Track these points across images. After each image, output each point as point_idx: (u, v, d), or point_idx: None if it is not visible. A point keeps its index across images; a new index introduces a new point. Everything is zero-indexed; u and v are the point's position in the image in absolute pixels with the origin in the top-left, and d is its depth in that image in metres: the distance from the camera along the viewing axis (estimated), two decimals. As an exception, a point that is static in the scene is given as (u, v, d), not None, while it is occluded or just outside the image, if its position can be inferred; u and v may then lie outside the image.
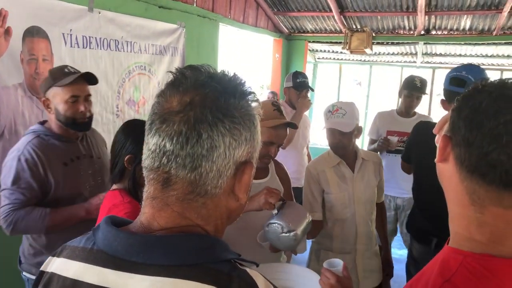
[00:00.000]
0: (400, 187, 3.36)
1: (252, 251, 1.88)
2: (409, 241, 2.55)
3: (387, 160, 2.99)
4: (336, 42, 6.51)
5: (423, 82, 3.52)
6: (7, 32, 2.42)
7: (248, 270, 0.67)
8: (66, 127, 2.05)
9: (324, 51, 7.21)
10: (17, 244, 2.16)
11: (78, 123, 2.06)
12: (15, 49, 2.47)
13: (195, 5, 4.26)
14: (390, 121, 3.58)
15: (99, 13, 3.01)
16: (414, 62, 6.81)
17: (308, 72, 7.24)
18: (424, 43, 6.06)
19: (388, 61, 7.16)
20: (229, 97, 0.68)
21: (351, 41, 6.01)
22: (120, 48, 3.26)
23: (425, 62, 6.81)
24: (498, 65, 6.49)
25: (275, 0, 5.80)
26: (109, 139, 2.03)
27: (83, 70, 2.88)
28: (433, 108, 6.92)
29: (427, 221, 2.32)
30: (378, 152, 3.55)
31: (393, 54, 6.76)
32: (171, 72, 0.71)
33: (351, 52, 6.21)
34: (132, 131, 1.62)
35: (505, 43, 5.57)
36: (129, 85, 3.41)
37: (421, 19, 5.42)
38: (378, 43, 6.26)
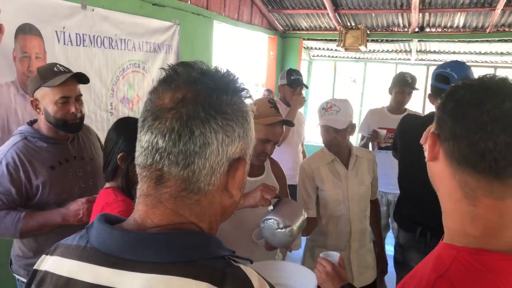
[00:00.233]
0: (391, 183, 3.38)
1: (247, 249, 1.89)
2: (396, 229, 2.60)
3: (379, 156, 3.01)
4: (330, 40, 6.52)
5: (413, 78, 3.56)
6: (-1, 29, 2.40)
7: (242, 267, 0.67)
8: (56, 128, 1.99)
9: (319, 48, 7.21)
10: (9, 246, 2.13)
11: (69, 125, 1.99)
12: (8, 47, 2.45)
13: (189, 3, 4.25)
14: (381, 118, 3.60)
15: (93, 10, 3.00)
16: (409, 59, 6.83)
17: (303, 70, 7.25)
18: (418, 41, 6.08)
19: (382, 59, 7.18)
20: (222, 93, 0.68)
21: (346, 38, 6.02)
22: (114, 45, 3.25)
23: (419, 60, 6.83)
24: (492, 62, 6.52)
25: (270, -3, 5.81)
26: (102, 137, 2.01)
27: (77, 68, 2.87)
28: (427, 105, 6.94)
29: (412, 210, 2.36)
30: (370, 148, 3.58)
31: (387, 51, 6.77)
32: (163, 69, 0.71)
33: (346, 49, 6.22)
34: (125, 129, 1.62)
35: (498, 40, 5.59)
36: (123, 83, 3.40)
37: (415, 17, 5.44)
38: (372, 41, 6.27)
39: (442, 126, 0.78)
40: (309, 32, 6.60)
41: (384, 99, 3.77)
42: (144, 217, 0.69)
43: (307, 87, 3.88)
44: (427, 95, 2.48)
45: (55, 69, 1.96)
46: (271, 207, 1.76)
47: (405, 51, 6.60)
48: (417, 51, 6.47)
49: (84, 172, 2.09)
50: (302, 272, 1.76)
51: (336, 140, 2.17)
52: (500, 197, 0.74)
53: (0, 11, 2.38)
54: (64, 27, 2.77)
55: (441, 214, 0.84)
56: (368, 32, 6.10)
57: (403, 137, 2.51)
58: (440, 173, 0.80)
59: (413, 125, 2.45)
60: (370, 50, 6.57)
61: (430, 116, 1.95)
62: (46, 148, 1.98)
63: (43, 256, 0.75)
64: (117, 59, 3.29)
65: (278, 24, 6.47)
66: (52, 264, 0.72)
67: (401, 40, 6.18)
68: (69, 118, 1.97)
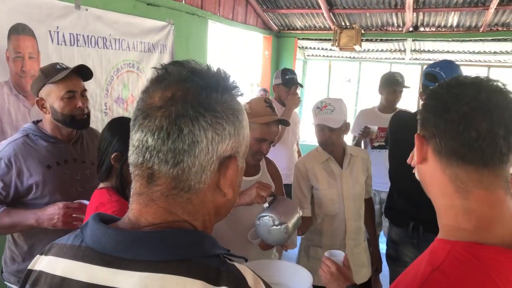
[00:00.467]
0: (384, 181, 3.38)
1: (243, 249, 1.89)
2: (388, 227, 2.63)
3: (371, 155, 3.05)
4: (325, 39, 6.53)
5: (402, 77, 3.62)
6: (-8, 29, 2.38)
7: (237, 265, 0.67)
8: (65, 125, 1.95)
9: (314, 48, 7.22)
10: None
11: (77, 120, 1.95)
12: (1, 47, 2.44)
13: (183, 2, 4.25)
14: (373, 118, 3.63)
15: (86, 10, 2.99)
16: (403, 59, 6.85)
17: (298, 69, 7.25)
18: (413, 40, 6.10)
19: (377, 58, 7.20)
20: (211, 91, 0.68)
21: (340, 38, 6.03)
22: (108, 45, 3.24)
23: (414, 59, 6.86)
24: (485, 61, 6.56)
25: (264, -3, 5.81)
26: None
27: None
28: (421, 103, 6.97)
29: (404, 205, 2.38)
30: (362, 147, 3.60)
31: (382, 51, 6.80)
32: (155, 68, 0.71)
33: (341, 49, 6.23)
34: (119, 129, 1.61)
35: (491, 39, 5.63)
36: (118, 83, 3.39)
37: (409, 16, 5.46)
38: (367, 40, 6.29)
39: (426, 126, 0.82)
40: (304, 31, 6.60)
41: (379, 99, 3.79)
42: (138, 215, 0.69)
43: (301, 86, 3.89)
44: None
45: (58, 66, 1.95)
46: (266, 205, 1.76)
47: (400, 50, 6.63)
48: (411, 51, 6.49)
49: (82, 175, 2.04)
50: (297, 271, 1.76)
51: (330, 139, 2.17)
52: (490, 188, 0.77)
53: (-7, 11, 2.37)
54: (57, 27, 2.76)
55: (432, 208, 0.86)
56: (363, 31, 6.12)
57: (393, 134, 2.56)
58: (431, 172, 0.83)
59: (402, 121, 2.48)
60: (364, 49, 6.59)
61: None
62: (46, 147, 1.95)
63: (38, 256, 0.75)
64: (111, 59, 3.28)
65: (273, 24, 6.47)
66: (46, 264, 0.71)
67: (396, 40, 6.21)
68: (77, 113, 1.95)
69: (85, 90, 2.02)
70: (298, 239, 2.28)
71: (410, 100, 7.05)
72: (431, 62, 7.21)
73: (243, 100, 0.75)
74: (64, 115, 1.92)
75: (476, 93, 0.77)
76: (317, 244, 2.29)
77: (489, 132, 0.75)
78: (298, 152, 4.02)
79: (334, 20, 6.02)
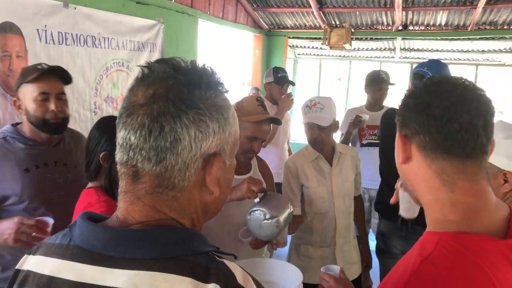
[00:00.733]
0: (373, 179, 3.43)
1: (234, 248, 1.89)
2: (377, 220, 2.70)
3: (360, 153, 3.08)
4: (315, 38, 6.54)
5: (387, 75, 3.66)
6: (-22, 28, 2.35)
7: (226, 262, 0.67)
8: (37, 129, 1.87)
9: (304, 47, 7.23)
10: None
11: (49, 125, 1.85)
12: (-13, 46, 2.41)
13: (173, 1, 4.23)
14: (361, 115, 3.63)
15: (75, 8, 2.96)
16: (393, 57, 6.90)
17: (289, 68, 7.26)
18: (402, 39, 6.14)
19: (367, 57, 7.24)
20: (194, 88, 0.68)
21: (331, 36, 6.05)
22: (97, 44, 3.21)
23: (403, 58, 6.91)
24: (473, 60, 6.62)
25: (255, -4, 5.81)
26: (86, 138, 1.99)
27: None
28: (399, 105, 7.01)
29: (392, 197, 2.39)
30: (350, 145, 3.63)
31: (371, 49, 6.83)
32: (139, 66, 0.71)
33: (331, 47, 6.25)
34: (107, 128, 1.59)
35: (479, 38, 5.68)
36: (107, 82, 3.37)
37: (399, 15, 5.49)
38: (357, 39, 6.32)
39: (407, 124, 0.85)
40: (294, 30, 6.61)
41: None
42: (126, 214, 0.69)
43: (293, 84, 3.89)
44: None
45: (39, 67, 1.88)
46: (257, 200, 1.76)
47: (389, 49, 6.67)
48: (401, 49, 6.54)
49: (65, 179, 1.94)
50: (288, 269, 1.76)
51: (320, 137, 2.18)
52: (474, 179, 0.81)
53: (-21, 9, 2.34)
54: (45, 26, 2.73)
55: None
56: (353, 30, 6.14)
57: (383, 131, 2.62)
58: (416, 170, 0.85)
59: (392, 119, 2.51)
60: (354, 48, 6.62)
61: None
62: (24, 150, 1.86)
63: (25, 255, 0.74)
64: (100, 58, 3.26)
65: (263, 23, 6.47)
66: (34, 263, 0.71)
67: (385, 38, 6.25)
68: (49, 117, 1.85)
69: (62, 93, 1.92)
70: (289, 237, 2.29)
71: (398, 98, 7.09)
72: (421, 60, 7.30)
73: (229, 96, 0.75)
74: (37, 118, 1.84)
75: (452, 89, 0.82)
76: (308, 242, 2.30)
77: (469, 124, 0.79)
78: (289, 150, 4.03)
79: (324, 19, 6.04)
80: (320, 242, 2.27)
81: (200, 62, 0.73)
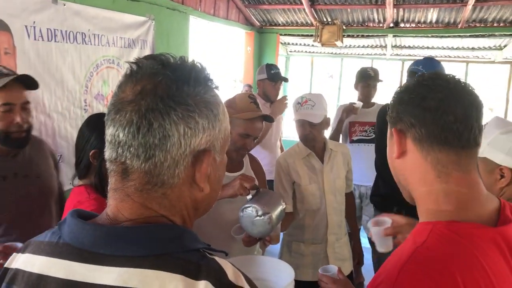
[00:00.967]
0: (363, 175, 3.47)
1: (226, 245, 1.88)
2: (366, 221, 2.74)
3: (351, 149, 3.11)
4: (307, 35, 6.54)
5: (375, 71, 3.68)
6: (-35, 24, 2.31)
7: (217, 259, 0.67)
8: None
9: (296, 44, 7.23)
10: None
11: (13, 139, 1.70)
12: (-25, 42, 2.38)
13: (164, -3, 4.20)
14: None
15: (64, 5, 2.93)
16: (384, 54, 6.92)
17: (280, 65, 7.25)
18: (393, 36, 6.16)
19: (358, 54, 7.25)
20: (182, 84, 0.67)
21: (322, 34, 6.05)
22: (87, 41, 3.18)
23: (395, 55, 6.93)
24: (464, 57, 6.67)
25: (246, -8, 5.79)
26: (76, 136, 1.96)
27: (49, 64, 2.82)
28: (390, 102, 7.04)
29: (388, 191, 2.50)
30: (340, 140, 3.64)
31: (363, 46, 6.85)
32: (128, 62, 0.71)
33: (322, 45, 6.25)
34: (97, 125, 1.58)
35: (470, 35, 5.72)
36: (97, 79, 3.34)
37: (390, 12, 5.51)
38: (348, 36, 6.32)
39: (402, 119, 0.87)
40: (286, 27, 6.61)
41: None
42: (115, 211, 0.69)
43: (287, 81, 3.87)
44: None
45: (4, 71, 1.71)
46: (249, 197, 1.76)
47: (381, 46, 6.69)
48: (392, 46, 6.56)
49: (27, 191, 1.78)
50: (279, 266, 1.77)
51: (311, 134, 2.19)
52: (467, 170, 0.84)
53: (-34, 5, 2.30)
54: (34, 22, 2.70)
55: None
56: (344, 27, 6.15)
57: (379, 125, 2.66)
58: (411, 163, 0.87)
59: (385, 115, 2.54)
60: (346, 45, 6.63)
61: None
62: None
63: (14, 254, 0.74)
64: (90, 55, 3.23)
65: (255, 20, 6.46)
66: (23, 261, 0.70)
67: (377, 36, 6.26)
68: (13, 130, 1.70)
69: (27, 102, 1.76)
70: (281, 235, 2.29)
71: (391, 95, 7.13)
72: (412, 57, 7.33)
73: (219, 92, 0.75)
74: None
75: (445, 83, 0.85)
76: (299, 239, 2.30)
77: (464, 116, 0.82)
78: (281, 148, 4.03)
79: (316, 16, 6.04)
80: (312, 239, 2.27)
81: (189, 58, 0.73)
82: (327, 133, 2.81)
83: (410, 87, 0.89)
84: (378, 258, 2.61)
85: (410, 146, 0.87)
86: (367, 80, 3.61)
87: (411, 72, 2.44)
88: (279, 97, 3.71)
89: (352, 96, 4.11)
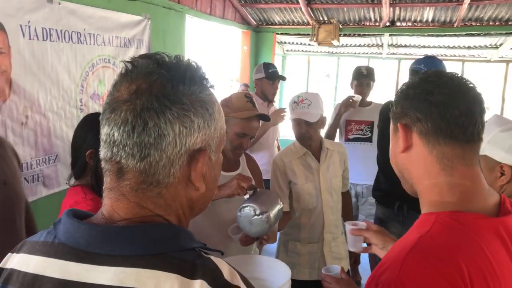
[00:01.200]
0: (360, 174, 3.48)
1: (223, 245, 1.89)
2: (375, 207, 2.90)
3: (347, 148, 3.12)
4: (304, 34, 6.54)
5: (369, 70, 3.66)
6: (-40, 24, 2.30)
7: (213, 258, 0.67)
8: None
9: (292, 43, 7.24)
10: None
11: None
12: (-31, 42, 2.36)
13: (160, -3, 4.19)
14: (348, 111, 3.65)
15: (59, 4, 2.91)
16: (380, 53, 6.93)
17: (277, 64, 7.25)
18: (390, 35, 6.17)
19: (355, 53, 7.26)
20: (177, 83, 0.67)
21: (319, 33, 6.06)
22: (82, 40, 3.17)
23: (391, 54, 6.95)
24: (460, 56, 6.69)
25: (242, -9, 5.78)
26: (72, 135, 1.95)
27: (44, 63, 2.81)
28: (394, 98, 7.05)
29: (390, 186, 2.54)
30: (337, 138, 3.64)
31: (359, 45, 6.86)
32: (123, 61, 0.70)
33: (319, 44, 6.26)
34: (93, 125, 1.57)
35: (465, 34, 5.74)
36: (93, 79, 3.33)
37: (386, 11, 5.52)
38: (345, 35, 6.33)
39: (408, 114, 0.89)
40: (282, 26, 6.61)
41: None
42: (111, 210, 0.68)
43: (284, 79, 3.86)
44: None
45: None
46: (247, 196, 1.76)
47: (377, 45, 6.70)
48: (388, 45, 6.57)
49: None
50: (276, 265, 1.77)
51: (308, 133, 2.19)
52: (470, 164, 0.87)
53: (-40, 5, 2.28)
54: (29, 21, 2.68)
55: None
56: (341, 26, 6.16)
57: (382, 122, 2.72)
58: (416, 157, 0.90)
59: (387, 113, 2.57)
60: (342, 44, 6.64)
61: None
62: None
63: (9, 254, 0.73)
64: (86, 54, 3.21)
65: (251, 19, 6.45)
66: (18, 261, 0.70)
67: (373, 34, 6.27)
68: None
69: None
70: (277, 234, 2.29)
71: (387, 94, 7.16)
72: (408, 56, 7.31)
73: (214, 91, 0.74)
74: None
75: (449, 80, 0.88)
76: (296, 238, 2.30)
77: (468, 110, 0.85)
78: (278, 147, 4.02)
79: (312, 15, 6.04)
80: (308, 238, 2.27)
81: (185, 58, 0.72)
82: (324, 130, 2.81)
83: (415, 83, 0.91)
84: (375, 257, 2.62)
85: (415, 140, 0.89)
86: (360, 78, 3.61)
87: (413, 71, 2.47)
88: (277, 96, 3.69)
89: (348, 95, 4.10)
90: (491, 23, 5.49)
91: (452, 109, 0.84)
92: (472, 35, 5.73)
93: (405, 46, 6.60)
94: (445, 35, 5.87)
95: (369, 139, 3.57)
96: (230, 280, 0.64)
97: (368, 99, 3.68)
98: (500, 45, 5.98)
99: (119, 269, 0.62)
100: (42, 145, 2.83)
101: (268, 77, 3.60)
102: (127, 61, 0.70)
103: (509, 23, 5.38)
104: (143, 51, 3.91)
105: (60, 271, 0.65)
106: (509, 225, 0.85)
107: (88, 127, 1.60)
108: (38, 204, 2.81)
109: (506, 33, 5.56)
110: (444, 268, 0.75)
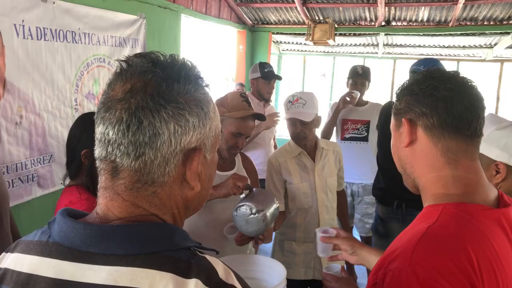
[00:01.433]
0: (356, 173, 3.49)
1: (219, 245, 1.89)
2: (371, 206, 3.06)
3: (343, 147, 3.13)
4: (299, 34, 6.55)
5: (364, 69, 3.67)
6: (-47, 23, 2.28)
7: (207, 257, 0.67)
8: None
9: (288, 42, 7.24)
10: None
11: None
12: (-38, 41, 2.34)
13: (155, -4, 4.17)
14: (344, 110, 3.66)
15: (54, 3, 2.90)
16: (376, 53, 6.94)
17: (273, 64, 7.24)
18: (385, 34, 6.18)
19: (350, 52, 7.27)
20: (172, 82, 0.67)
21: (314, 32, 6.06)
22: (77, 40, 3.15)
23: (387, 53, 6.96)
24: (455, 55, 6.71)
25: (238, -9, 5.77)
26: (67, 135, 1.94)
27: (38, 63, 2.79)
28: (394, 97, 7.08)
29: (389, 185, 2.65)
30: (334, 137, 3.65)
31: (355, 45, 6.87)
32: (118, 60, 0.70)
33: (315, 43, 6.26)
34: (88, 124, 1.56)
35: (460, 34, 5.76)
36: (88, 78, 3.31)
37: (382, 11, 5.53)
38: (340, 34, 6.34)
39: (411, 108, 0.92)
40: (278, 26, 6.60)
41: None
42: (105, 210, 0.68)
43: (280, 79, 3.87)
44: (395, 88, 2.83)
45: None
46: (243, 195, 1.76)
47: (373, 44, 6.71)
48: (384, 45, 6.58)
49: None
50: (271, 265, 1.77)
51: (303, 133, 2.19)
52: (473, 158, 0.90)
53: (-47, 4, 2.27)
54: (23, 20, 2.67)
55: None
56: (336, 26, 6.16)
57: (382, 123, 2.78)
58: (420, 151, 0.92)
59: (388, 112, 2.61)
60: (338, 44, 6.64)
61: None
62: None
63: (3, 253, 0.73)
64: (81, 54, 3.20)
65: (247, 18, 6.45)
66: (12, 261, 0.70)
67: (368, 34, 6.28)
68: None
69: None
70: (273, 234, 2.29)
71: (383, 93, 7.17)
72: (404, 56, 7.30)
73: (209, 90, 0.74)
74: None
75: (452, 76, 0.92)
76: (291, 238, 2.30)
77: (472, 106, 0.88)
78: (275, 147, 4.02)
79: (308, 15, 6.04)
80: (304, 237, 2.27)
81: (180, 57, 0.73)
82: (320, 127, 2.82)
83: (419, 79, 0.93)
84: None
85: (420, 134, 0.91)
86: (355, 77, 3.62)
87: (414, 72, 2.57)
88: (273, 95, 3.69)
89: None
90: (485, 23, 5.51)
91: (457, 104, 0.87)
92: (467, 34, 5.75)
93: (401, 45, 6.61)
94: (440, 35, 5.89)
95: (365, 139, 3.58)
96: (225, 279, 0.64)
97: (364, 98, 3.69)
98: (495, 44, 6.01)
99: (113, 268, 0.62)
100: (36, 145, 2.82)
101: (263, 77, 3.60)
102: (122, 60, 0.70)
103: (504, 22, 5.41)
104: (138, 50, 3.90)
105: (55, 271, 0.64)
106: (509, 216, 0.88)
107: (83, 127, 1.59)
108: (33, 204, 2.80)
109: (500, 33, 5.59)
110: (454, 255, 0.78)
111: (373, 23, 6.05)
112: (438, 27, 5.74)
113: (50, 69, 2.89)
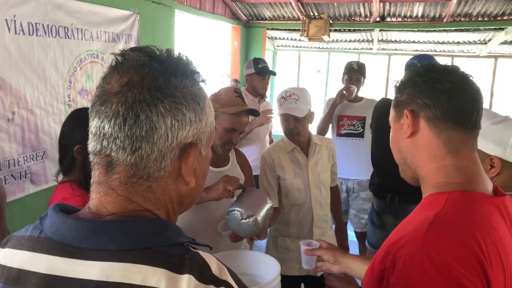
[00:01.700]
0: (351, 169, 3.50)
1: (213, 241, 1.88)
2: (366, 202, 3.19)
3: (338, 143, 3.11)
4: (294, 29, 6.54)
5: (360, 65, 3.66)
6: None
7: (201, 252, 0.66)
8: None
9: (283, 38, 7.23)
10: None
11: None
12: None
13: (149, -9, 4.15)
14: (340, 106, 3.65)
15: (46, -2, 2.87)
16: (371, 49, 6.95)
17: (268, 60, 7.22)
18: (380, 30, 6.19)
19: (345, 48, 7.27)
20: (170, 77, 0.67)
21: (309, 28, 6.05)
22: (70, 35, 3.13)
23: (381, 49, 6.97)
24: (449, 51, 6.74)
25: (232, -14, 5.74)
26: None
27: (30, 59, 2.77)
28: (389, 92, 7.11)
29: (382, 180, 2.74)
30: (330, 133, 3.64)
31: (350, 41, 6.87)
32: (113, 54, 0.70)
33: (309, 39, 6.25)
34: (80, 120, 1.55)
35: (454, 30, 5.77)
36: (81, 74, 3.29)
37: (376, 6, 5.53)
38: (335, 30, 6.33)
39: (414, 100, 0.94)
40: (273, 21, 6.59)
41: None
42: (98, 205, 0.68)
43: (275, 74, 3.85)
44: (390, 83, 2.89)
45: None
46: (234, 198, 1.75)
47: (367, 40, 6.72)
48: (378, 41, 6.59)
49: None
50: (266, 260, 1.77)
51: (296, 128, 2.18)
52: (472, 149, 0.93)
53: None
54: (14, 16, 2.64)
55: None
56: (331, 21, 6.15)
57: (377, 119, 2.83)
58: (422, 141, 0.94)
59: (384, 108, 2.61)
60: (333, 40, 6.64)
61: None
62: None
63: None
64: (74, 50, 3.18)
65: (242, 14, 6.43)
66: (3, 256, 0.69)
67: (363, 30, 6.28)
68: None
69: None
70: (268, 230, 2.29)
71: (378, 89, 7.19)
72: (398, 52, 7.33)
73: (205, 86, 0.74)
74: None
75: (453, 70, 0.94)
76: (285, 234, 2.30)
77: (472, 98, 0.91)
78: (271, 142, 4.01)
79: (303, 10, 6.03)
80: (297, 233, 2.27)
81: (175, 51, 0.72)
82: (315, 123, 2.82)
83: (421, 72, 0.95)
84: (363, 251, 2.66)
85: (422, 125, 0.93)
86: (350, 73, 3.61)
87: (408, 66, 2.63)
88: (268, 91, 3.67)
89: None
90: (479, 19, 5.53)
91: (459, 97, 0.89)
92: (461, 30, 5.77)
93: (395, 41, 6.62)
94: (434, 31, 5.91)
95: (361, 135, 3.58)
96: (218, 275, 0.64)
97: (359, 94, 3.69)
98: (489, 40, 6.03)
99: (106, 263, 0.61)
100: (29, 141, 2.80)
101: (258, 73, 3.59)
102: (118, 54, 0.69)
103: (498, 18, 5.43)
104: (131, 46, 3.87)
105: (46, 266, 0.64)
106: (506, 204, 0.91)
107: (76, 122, 1.58)
108: (26, 201, 2.79)
109: (494, 29, 5.61)
110: (465, 240, 0.80)
111: (367, 19, 6.05)
112: (432, 23, 5.75)
113: (42, 65, 2.87)
